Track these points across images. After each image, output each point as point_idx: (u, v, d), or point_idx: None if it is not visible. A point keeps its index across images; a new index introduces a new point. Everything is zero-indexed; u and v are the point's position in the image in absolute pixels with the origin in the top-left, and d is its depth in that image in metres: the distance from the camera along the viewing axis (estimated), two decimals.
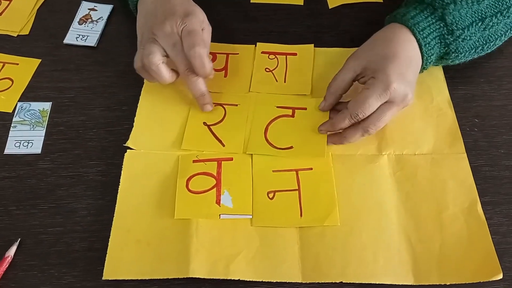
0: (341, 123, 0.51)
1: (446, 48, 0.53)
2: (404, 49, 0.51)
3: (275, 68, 0.60)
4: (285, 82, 0.59)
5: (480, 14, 0.52)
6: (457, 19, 0.51)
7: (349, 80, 0.53)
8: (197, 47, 0.50)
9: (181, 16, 0.51)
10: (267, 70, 0.60)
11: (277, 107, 0.57)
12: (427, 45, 0.51)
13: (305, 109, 0.56)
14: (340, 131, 0.53)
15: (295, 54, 0.62)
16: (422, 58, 0.52)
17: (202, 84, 0.53)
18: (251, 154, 0.53)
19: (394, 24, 0.53)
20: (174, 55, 0.51)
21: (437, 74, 0.60)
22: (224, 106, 0.57)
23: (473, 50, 0.54)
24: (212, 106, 0.55)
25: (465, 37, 0.52)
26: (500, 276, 0.45)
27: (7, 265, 0.46)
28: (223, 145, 0.54)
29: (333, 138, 0.53)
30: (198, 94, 0.54)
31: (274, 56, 0.62)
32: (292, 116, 0.56)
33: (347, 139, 0.52)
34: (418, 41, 0.51)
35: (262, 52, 0.62)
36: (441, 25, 0.51)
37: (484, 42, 0.54)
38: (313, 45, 0.62)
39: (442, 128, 0.55)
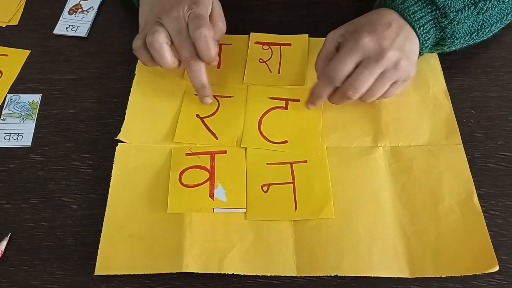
0: (319, 89, 0.51)
1: (442, 33, 0.52)
2: (390, 20, 0.50)
3: (269, 59, 0.60)
4: (279, 73, 0.58)
5: None
6: (449, 2, 0.50)
7: (333, 50, 0.52)
8: (203, 28, 0.49)
9: (188, 3, 0.51)
10: (260, 61, 0.59)
11: (270, 98, 0.56)
12: (422, 28, 0.51)
13: (299, 100, 0.56)
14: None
15: (289, 45, 0.61)
16: (419, 42, 0.51)
17: (204, 75, 0.52)
18: (245, 147, 0.52)
19: (383, 8, 0.53)
20: (178, 41, 0.50)
21: (434, 64, 0.59)
22: (218, 98, 0.56)
23: (468, 36, 0.53)
24: (212, 99, 0.55)
25: (460, 20, 0.51)
26: (496, 268, 0.45)
27: None
28: (217, 138, 0.53)
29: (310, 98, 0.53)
30: (199, 86, 0.53)
31: (268, 47, 0.61)
32: (286, 108, 0.55)
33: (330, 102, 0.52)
34: (411, 24, 0.51)
35: (256, 43, 0.61)
36: (433, 8, 0.51)
37: (479, 28, 0.53)
38: (307, 35, 0.62)
39: (438, 119, 0.55)
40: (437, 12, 0.51)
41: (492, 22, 0.54)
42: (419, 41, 0.51)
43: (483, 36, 0.55)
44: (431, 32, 0.51)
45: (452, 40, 0.53)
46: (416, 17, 0.51)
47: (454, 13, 0.51)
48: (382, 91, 0.50)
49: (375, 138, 0.53)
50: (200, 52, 0.50)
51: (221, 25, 0.54)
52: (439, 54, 0.60)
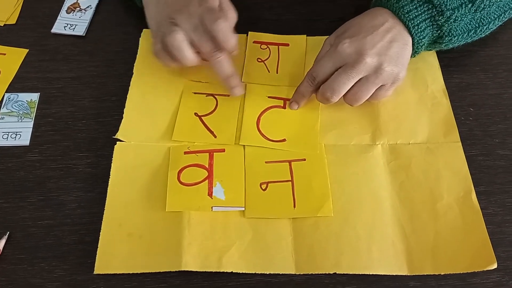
0: (302, 87, 0.53)
1: (439, 31, 0.52)
2: (379, 22, 0.51)
3: (267, 58, 0.59)
4: (277, 73, 0.58)
5: None
6: (445, 0, 0.50)
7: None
8: (219, 20, 0.49)
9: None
10: (259, 60, 0.59)
11: (269, 97, 0.56)
12: (416, 27, 0.51)
13: None
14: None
15: (287, 45, 0.61)
16: (413, 41, 0.52)
17: (229, 65, 0.52)
18: (243, 145, 0.52)
19: (379, 8, 0.53)
20: (197, 37, 0.50)
21: (432, 62, 0.59)
22: (216, 96, 0.56)
23: (466, 34, 0.53)
24: (243, 90, 0.54)
25: (456, 18, 0.51)
26: (495, 266, 0.45)
27: None
28: (215, 136, 0.53)
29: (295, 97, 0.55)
30: (225, 76, 0.53)
31: (266, 46, 0.61)
32: (284, 107, 0.55)
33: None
34: (405, 24, 0.51)
35: (254, 42, 0.61)
36: (429, 6, 0.51)
37: (477, 25, 0.53)
38: (305, 36, 0.62)
39: (436, 117, 0.55)
40: (434, 10, 0.51)
41: (490, 20, 0.54)
42: (414, 40, 0.51)
43: (481, 34, 0.55)
44: (427, 30, 0.51)
45: (450, 38, 0.53)
46: (411, 16, 0.51)
47: (451, 11, 0.51)
48: (367, 95, 0.51)
49: (374, 136, 0.53)
50: (220, 44, 0.50)
51: (232, 12, 0.54)
52: (437, 52, 0.60)
